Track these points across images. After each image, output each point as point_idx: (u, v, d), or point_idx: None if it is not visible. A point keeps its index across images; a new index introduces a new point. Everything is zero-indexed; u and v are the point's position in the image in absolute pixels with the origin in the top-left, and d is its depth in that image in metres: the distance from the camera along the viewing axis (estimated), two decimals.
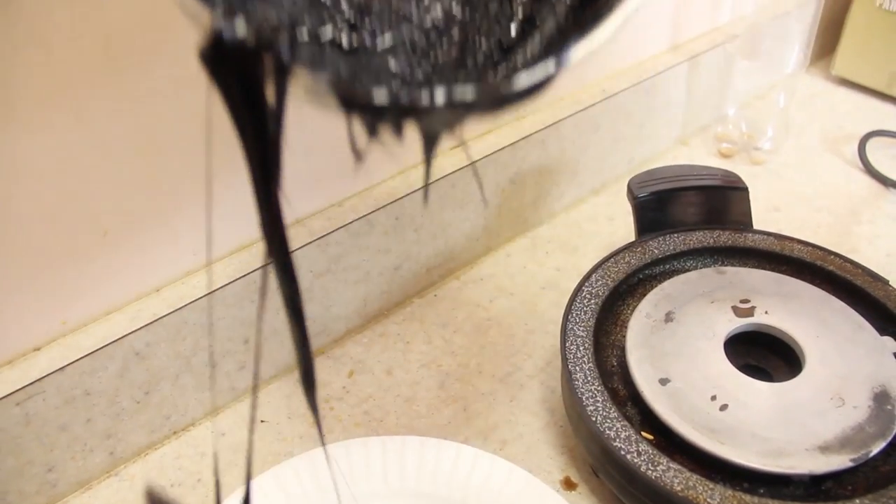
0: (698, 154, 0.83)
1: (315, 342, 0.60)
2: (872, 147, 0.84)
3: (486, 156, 0.63)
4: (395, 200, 0.59)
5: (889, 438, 0.46)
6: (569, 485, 0.51)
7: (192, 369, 0.53)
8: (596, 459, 0.48)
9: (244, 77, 0.23)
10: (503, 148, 0.64)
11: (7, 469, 0.48)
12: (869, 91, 0.94)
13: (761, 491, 0.44)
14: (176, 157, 0.48)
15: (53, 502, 0.52)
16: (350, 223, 0.57)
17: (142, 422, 0.53)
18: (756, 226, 0.63)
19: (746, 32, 0.77)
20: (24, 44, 0.39)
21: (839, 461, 0.44)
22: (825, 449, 0.45)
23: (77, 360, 0.48)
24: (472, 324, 0.62)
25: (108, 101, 0.44)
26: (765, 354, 0.53)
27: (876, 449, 0.45)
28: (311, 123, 0.53)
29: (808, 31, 0.77)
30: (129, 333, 0.49)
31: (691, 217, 0.61)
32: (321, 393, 0.57)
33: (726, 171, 0.63)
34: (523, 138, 0.65)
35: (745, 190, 0.62)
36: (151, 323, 0.50)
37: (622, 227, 0.72)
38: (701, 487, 0.43)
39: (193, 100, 0.47)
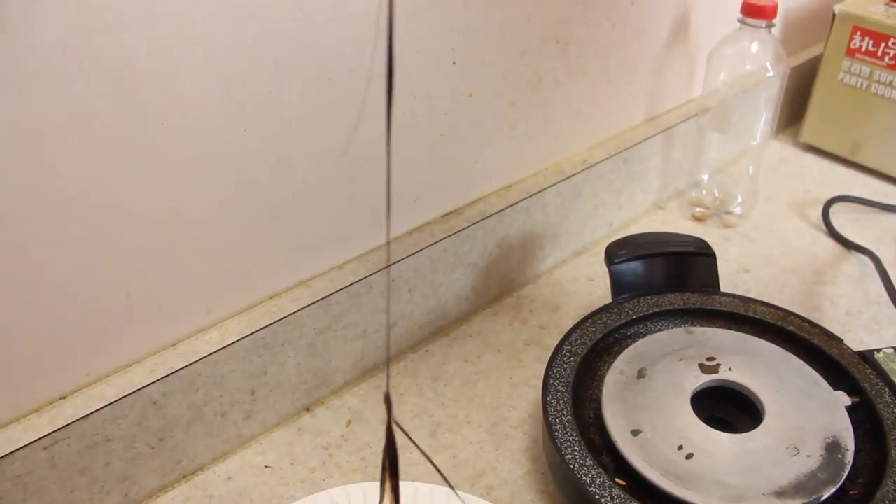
0: (673, 217, 0.89)
1: (315, 394, 0.64)
2: (836, 211, 0.90)
3: (475, 222, 0.68)
4: (392, 264, 0.64)
5: (839, 484, 0.51)
6: None
7: (203, 418, 0.58)
8: (573, 502, 0.53)
9: None
10: (491, 215, 0.69)
11: None
12: (834, 157, 1.00)
13: None
14: (197, 229, 0.53)
15: None
16: (350, 285, 0.61)
17: (155, 466, 0.57)
18: (726, 285, 0.68)
19: (717, 107, 0.83)
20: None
21: None
22: (781, 494, 0.50)
23: (100, 408, 0.52)
24: (461, 378, 0.67)
25: (137, 178, 0.49)
26: (728, 408, 0.57)
27: (826, 494, 0.50)
28: (314, 193, 0.58)
29: (774, 105, 0.83)
30: (148, 385, 0.53)
31: (663, 280, 0.66)
32: (320, 441, 0.61)
33: (696, 238, 0.68)
34: (509, 206, 0.71)
35: (712, 256, 0.67)
36: (168, 375, 0.54)
37: (601, 287, 0.77)
38: None
39: (217, 176, 0.52)
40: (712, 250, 0.67)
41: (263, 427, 0.62)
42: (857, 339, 0.71)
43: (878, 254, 0.81)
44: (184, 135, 0.49)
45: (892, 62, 0.90)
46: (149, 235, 0.51)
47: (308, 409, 0.64)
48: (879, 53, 0.91)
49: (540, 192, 0.73)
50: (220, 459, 0.60)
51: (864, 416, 0.56)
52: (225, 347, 0.56)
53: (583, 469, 0.51)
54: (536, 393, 0.65)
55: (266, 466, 0.60)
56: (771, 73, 0.81)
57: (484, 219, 0.69)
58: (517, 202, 0.71)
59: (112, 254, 0.50)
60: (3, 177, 0.43)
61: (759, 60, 0.81)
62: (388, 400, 0.33)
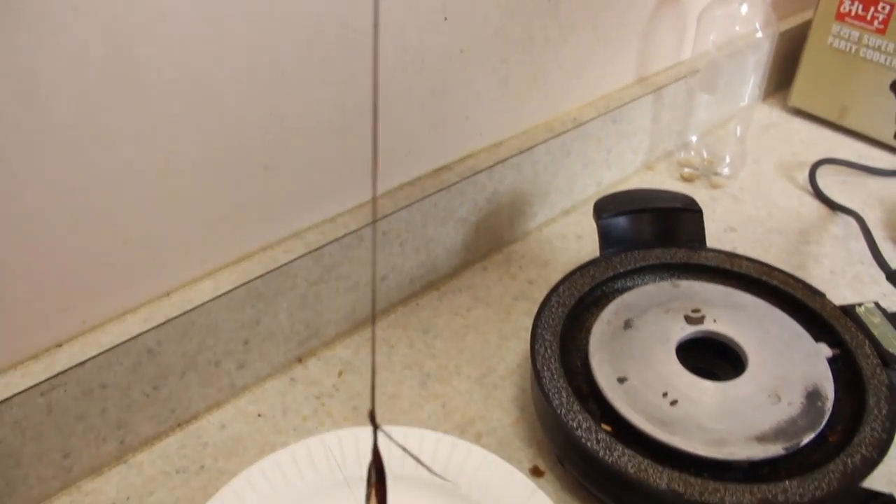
0: (662, 178, 0.90)
1: (307, 345, 0.65)
2: (822, 173, 0.91)
3: (466, 178, 0.69)
4: (382, 217, 0.65)
5: (818, 430, 0.52)
6: (537, 472, 0.56)
7: (197, 367, 0.58)
8: (560, 448, 0.54)
9: None
10: (481, 171, 0.70)
11: (28, 455, 0.53)
12: (822, 121, 1.01)
13: (705, 475, 0.50)
14: (191, 179, 0.54)
15: (67, 486, 0.56)
16: (341, 237, 0.62)
17: (150, 414, 0.58)
18: (712, 244, 0.69)
19: (706, 68, 0.83)
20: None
21: (774, 449, 0.51)
22: (762, 439, 0.51)
23: (96, 355, 0.53)
24: (451, 330, 0.68)
25: (132, 128, 0.49)
26: (712, 359, 0.59)
27: (806, 439, 0.51)
28: (306, 146, 0.59)
29: (763, 68, 0.84)
30: (143, 333, 0.54)
31: (650, 236, 0.67)
32: (312, 391, 0.63)
33: (683, 194, 0.70)
34: (500, 162, 0.71)
35: (699, 213, 0.68)
36: (163, 324, 0.55)
37: (589, 244, 0.78)
38: (651, 470, 0.49)
39: (209, 127, 0.52)
40: (699, 207, 0.68)
41: (256, 377, 0.63)
42: (840, 297, 0.73)
43: (862, 215, 0.82)
44: (176, 84, 0.50)
45: (882, 26, 0.91)
46: (144, 183, 0.52)
47: (300, 361, 0.65)
48: (869, 18, 0.92)
49: (530, 149, 0.74)
50: (214, 408, 0.62)
51: (844, 367, 0.58)
52: (219, 297, 0.57)
53: (569, 414, 0.52)
54: (525, 345, 0.66)
55: (259, 415, 0.61)
56: (760, 36, 0.81)
57: (474, 174, 0.70)
58: (507, 158, 0.72)
59: (108, 202, 0.51)
60: (1, 121, 0.44)
61: (749, 23, 0.81)
62: (373, 418, 0.33)
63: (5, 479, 0.53)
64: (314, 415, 0.61)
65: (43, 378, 0.51)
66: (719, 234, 0.81)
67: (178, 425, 0.60)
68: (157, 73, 0.49)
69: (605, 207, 0.67)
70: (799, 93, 1.02)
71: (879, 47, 0.92)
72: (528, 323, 0.62)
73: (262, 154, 0.57)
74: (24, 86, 0.44)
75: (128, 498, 0.56)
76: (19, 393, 0.50)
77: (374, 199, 0.69)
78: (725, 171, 0.89)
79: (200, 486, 0.56)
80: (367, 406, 0.61)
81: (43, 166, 0.47)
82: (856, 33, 0.93)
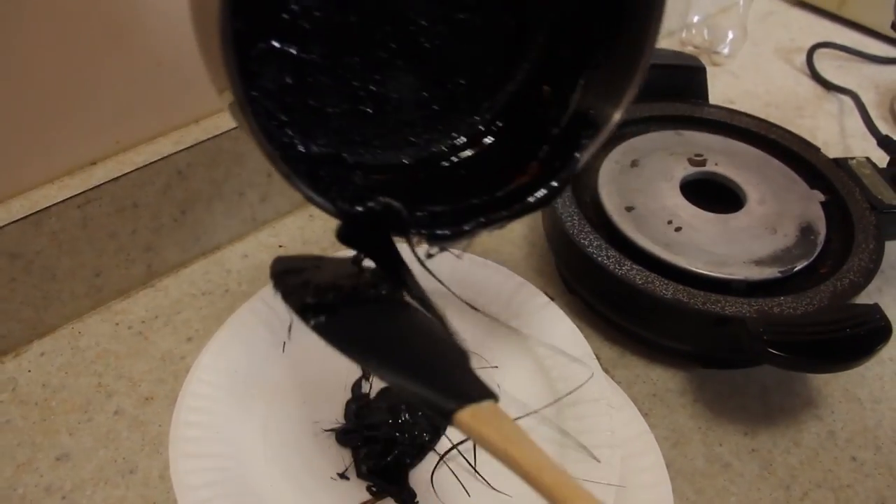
0: None
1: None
2: (819, 57, 0.93)
3: None
4: None
5: (810, 259, 0.56)
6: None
7: (223, 196, 0.61)
8: (572, 269, 0.57)
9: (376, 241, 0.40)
10: None
11: (63, 268, 0.56)
12: (821, 11, 1.03)
13: (707, 290, 0.53)
14: None
15: (97, 306, 0.59)
16: None
17: (177, 238, 0.61)
18: None
19: None
20: None
21: (770, 272, 0.54)
22: (759, 263, 0.55)
23: (129, 172, 0.55)
24: None
25: None
26: (713, 199, 0.62)
27: (799, 266, 0.55)
28: None
29: None
30: (174, 153, 0.57)
31: (656, 91, 0.69)
32: (331, 225, 0.65)
33: (688, 54, 0.72)
34: None
35: (703, 69, 0.71)
36: (193, 146, 0.57)
37: None
38: (658, 283, 0.52)
39: None
40: (702, 64, 0.70)
41: (276, 213, 0.66)
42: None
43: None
44: None
45: None
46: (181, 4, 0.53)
47: None
48: None
49: None
50: (236, 240, 0.64)
51: (835, 211, 0.61)
52: None
53: (581, 234, 0.55)
54: None
55: (280, 246, 0.64)
56: None
57: None
58: None
59: (145, 19, 0.52)
60: None
61: None
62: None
63: (42, 292, 0.55)
64: (332, 246, 0.63)
65: (79, 191, 0.54)
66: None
67: (203, 254, 0.63)
68: None
69: None
70: None
71: None
72: None
73: None
74: None
75: (156, 317, 0.59)
76: (57, 203, 0.53)
77: None
78: (725, 50, 0.92)
79: (226, 307, 0.59)
80: None
81: None
82: None
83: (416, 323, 0.40)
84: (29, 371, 0.55)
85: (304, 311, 0.37)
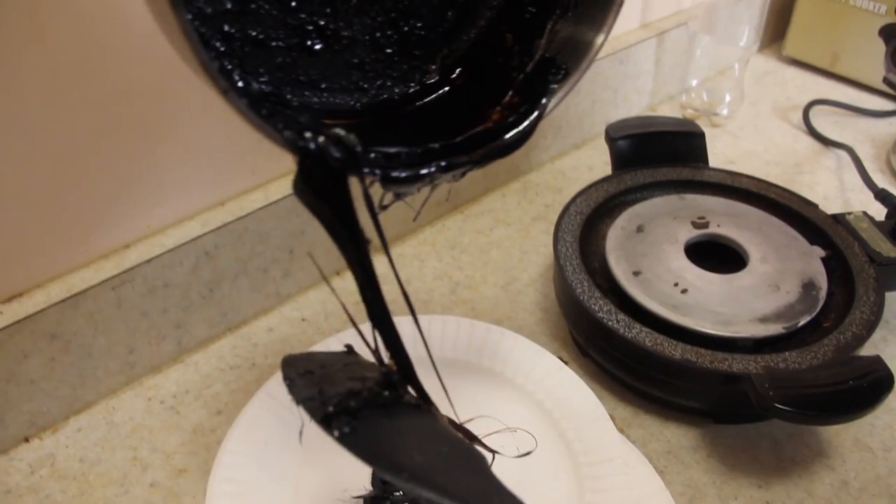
0: None
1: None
2: (815, 114, 0.96)
3: None
4: None
5: (813, 314, 0.58)
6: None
7: (248, 272, 0.64)
8: (584, 333, 0.60)
9: (330, 185, 0.36)
10: None
11: (99, 347, 0.58)
12: (815, 69, 1.07)
13: (714, 349, 0.56)
14: None
15: (131, 381, 0.62)
16: None
17: (205, 315, 0.63)
18: None
19: (706, 10, 0.89)
20: None
21: (775, 328, 0.56)
22: (764, 320, 0.57)
23: (160, 254, 0.58)
24: (476, 246, 0.74)
25: None
26: (717, 260, 0.64)
27: (803, 321, 0.57)
28: None
29: (759, 13, 0.90)
30: (202, 235, 0.60)
31: (658, 157, 0.73)
32: (351, 299, 0.68)
33: (688, 120, 0.75)
34: None
35: (702, 135, 0.74)
36: (219, 228, 0.60)
37: (600, 174, 0.83)
38: (667, 344, 0.55)
39: None
40: (702, 130, 0.74)
41: (299, 287, 0.69)
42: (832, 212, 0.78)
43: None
44: None
45: None
46: (204, 95, 0.57)
47: (338, 273, 0.70)
48: None
49: None
50: (262, 314, 0.67)
51: (836, 265, 0.63)
52: (269, 205, 0.62)
53: (591, 300, 0.58)
54: (545, 259, 0.72)
55: (303, 319, 0.67)
56: None
57: None
58: None
59: (172, 109, 0.56)
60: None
61: None
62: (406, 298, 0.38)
63: (78, 370, 0.58)
64: (357, 316, 0.66)
65: (114, 273, 0.56)
66: (720, 166, 0.86)
67: (230, 329, 0.66)
68: None
69: (617, 130, 0.72)
70: (793, 42, 1.07)
71: None
72: (547, 240, 0.67)
73: None
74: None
75: (187, 391, 0.61)
76: (94, 286, 0.56)
77: None
78: (724, 111, 0.95)
79: (253, 380, 0.62)
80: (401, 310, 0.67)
81: (121, 75, 0.52)
82: None
83: (430, 425, 0.40)
84: (66, 447, 0.57)
85: (326, 421, 0.37)
